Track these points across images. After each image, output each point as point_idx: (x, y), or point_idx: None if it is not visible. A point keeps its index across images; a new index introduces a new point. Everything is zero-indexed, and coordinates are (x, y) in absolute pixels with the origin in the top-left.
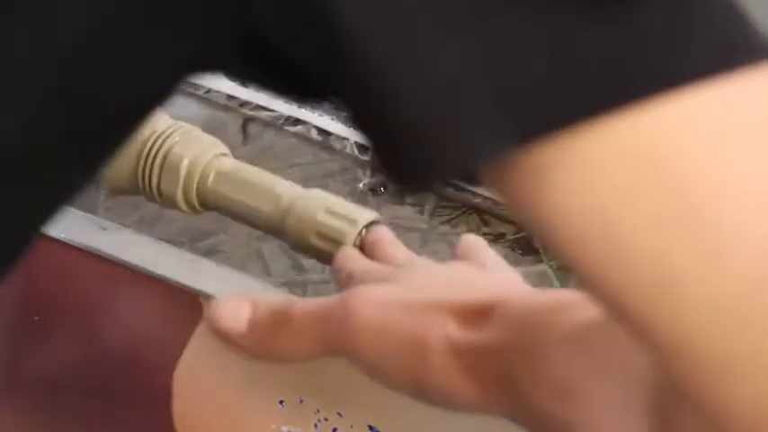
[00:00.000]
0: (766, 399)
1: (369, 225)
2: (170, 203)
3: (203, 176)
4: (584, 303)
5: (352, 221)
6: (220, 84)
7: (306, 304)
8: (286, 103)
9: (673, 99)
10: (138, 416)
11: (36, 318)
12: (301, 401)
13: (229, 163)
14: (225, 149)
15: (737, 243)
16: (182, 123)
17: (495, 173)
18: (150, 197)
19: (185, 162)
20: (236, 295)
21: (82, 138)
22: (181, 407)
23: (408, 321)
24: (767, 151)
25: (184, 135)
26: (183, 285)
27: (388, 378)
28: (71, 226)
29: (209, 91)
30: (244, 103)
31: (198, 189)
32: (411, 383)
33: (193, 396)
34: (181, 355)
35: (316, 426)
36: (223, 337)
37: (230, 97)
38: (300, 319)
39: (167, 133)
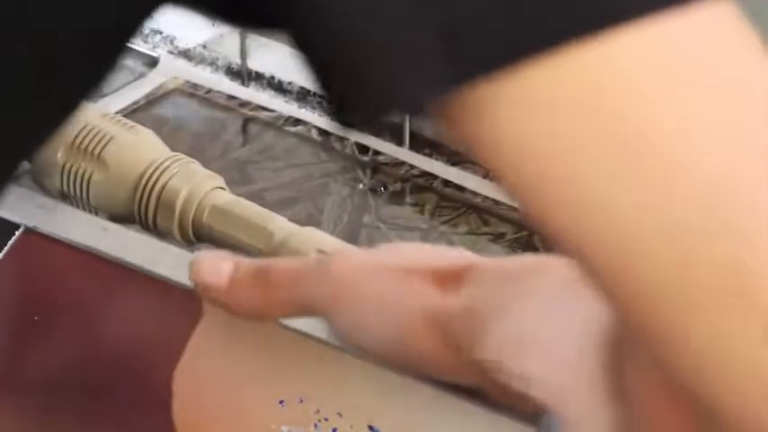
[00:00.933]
0: (705, 333)
1: None
2: (165, 235)
3: (199, 211)
4: (553, 266)
5: None
6: (221, 84)
7: (287, 264)
8: (286, 102)
9: (619, 34)
10: (138, 416)
11: (36, 318)
12: (301, 401)
13: (225, 197)
14: (221, 183)
15: (679, 179)
16: (179, 155)
17: (439, 108)
18: (146, 227)
19: (182, 195)
20: (219, 253)
21: (44, 71)
22: (181, 407)
23: (387, 286)
24: (712, 87)
25: (181, 168)
26: (183, 285)
27: (364, 341)
28: (71, 226)
29: (209, 91)
30: (244, 104)
31: (193, 223)
32: (388, 347)
33: (193, 396)
34: (181, 355)
35: (316, 426)
36: (203, 292)
37: (230, 97)
38: (280, 277)
39: (165, 165)
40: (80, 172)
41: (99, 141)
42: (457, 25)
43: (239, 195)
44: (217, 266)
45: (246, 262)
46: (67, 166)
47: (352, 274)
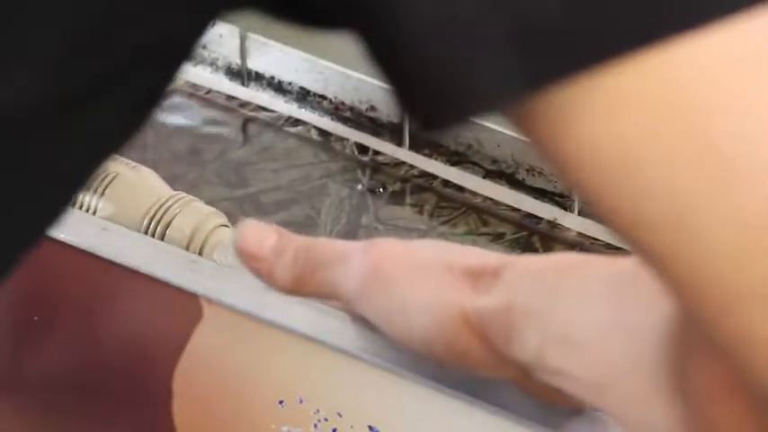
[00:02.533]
0: None
1: None
2: None
3: (204, 248)
4: (589, 262)
5: None
6: (220, 84)
7: (329, 244)
8: (286, 103)
9: (698, 36)
10: (138, 416)
11: (36, 318)
12: (301, 401)
13: (228, 234)
14: (224, 220)
15: (751, 179)
16: (181, 194)
17: (514, 113)
18: None
19: (186, 235)
20: (265, 224)
21: (102, 86)
22: (181, 407)
23: (424, 280)
24: None
25: (184, 206)
26: (183, 285)
27: (394, 332)
28: (71, 226)
29: (209, 92)
30: (244, 104)
31: None
32: (420, 340)
33: (193, 396)
34: (181, 355)
35: (316, 426)
36: (244, 259)
37: (230, 98)
38: (320, 256)
39: (168, 205)
40: (83, 208)
41: (103, 179)
42: (533, 27)
43: (236, 198)
44: (261, 236)
45: (291, 236)
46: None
47: (391, 264)
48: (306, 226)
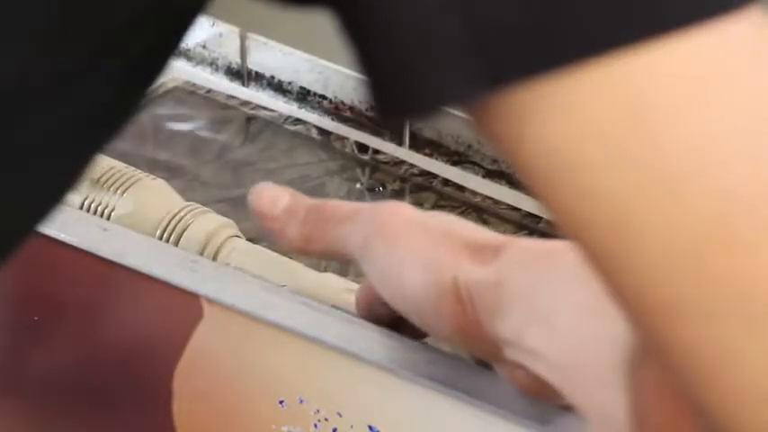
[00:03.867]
0: (716, 342)
1: None
2: None
3: (216, 259)
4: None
5: None
6: (220, 84)
7: (340, 203)
8: (286, 102)
9: (658, 45)
10: (138, 416)
11: (36, 318)
12: (301, 401)
13: (241, 245)
14: (236, 231)
15: (695, 192)
16: (193, 204)
17: (472, 110)
18: None
19: (199, 245)
20: (280, 186)
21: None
22: (181, 407)
23: (426, 244)
24: (746, 107)
25: (196, 217)
26: (183, 285)
27: (387, 292)
28: (71, 226)
29: (209, 90)
30: (244, 103)
31: None
32: (410, 304)
33: (193, 396)
34: (181, 355)
35: (316, 426)
36: (258, 218)
37: (230, 97)
38: (330, 214)
39: (180, 215)
40: (101, 206)
41: (125, 181)
42: (492, 26)
43: (230, 199)
44: (274, 197)
45: (303, 197)
46: (87, 201)
47: (396, 224)
48: None
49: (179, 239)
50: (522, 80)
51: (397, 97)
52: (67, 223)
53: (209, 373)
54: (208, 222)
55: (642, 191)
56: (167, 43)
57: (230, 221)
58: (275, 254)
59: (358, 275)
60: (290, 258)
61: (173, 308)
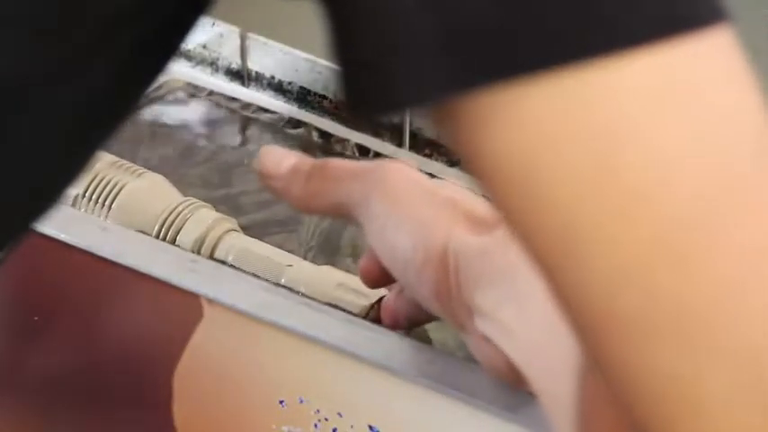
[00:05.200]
0: (650, 359)
1: (380, 300)
2: None
3: (214, 253)
4: None
5: (365, 295)
6: (220, 85)
7: (343, 162)
8: (286, 103)
9: (621, 61)
10: (138, 416)
11: (36, 318)
12: (301, 401)
13: (239, 239)
14: (234, 225)
15: (645, 214)
16: (191, 199)
17: (436, 111)
18: None
19: (196, 239)
20: (283, 148)
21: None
22: (181, 407)
23: (425, 206)
24: (699, 130)
25: (193, 212)
26: (183, 285)
27: (382, 246)
28: (71, 226)
29: (210, 93)
30: (245, 105)
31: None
32: (398, 261)
33: (193, 396)
34: (181, 355)
35: (316, 426)
36: (263, 179)
37: (231, 99)
38: (333, 172)
39: (177, 211)
40: (100, 201)
41: (111, 191)
42: (462, 30)
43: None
44: (280, 157)
45: (307, 158)
46: (86, 196)
47: (398, 184)
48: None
49: (177, 234)
50: (484, 84)
51: (366, 92)
52: (67, 223)
53: (209, 373)
54: (206, 217)
55: (591, 206)
56: (166, 39)
57: (228, 216)
58: (273, 248)
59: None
60: (288, 252)
61: (173, 308)
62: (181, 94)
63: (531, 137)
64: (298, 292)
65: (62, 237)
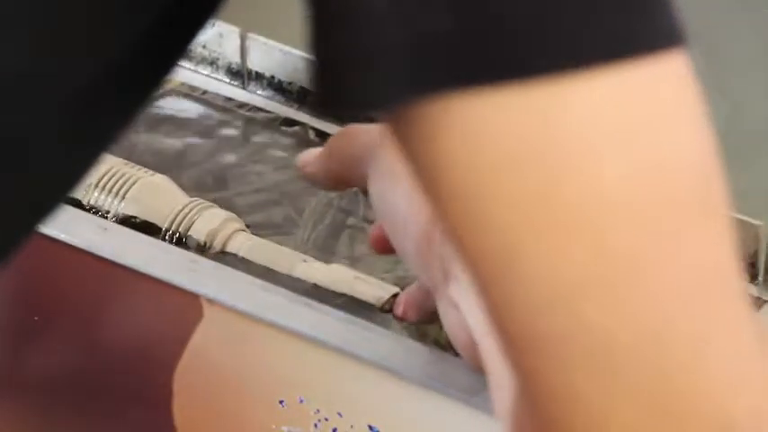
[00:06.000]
0: (566, 386)
1: (397, 294)
2: None
3: (225, 246)
4: None
5: (384, 288)
6: (218, 85)
7: (358, 131)
8: (284, 103)
9: (574, 79)
10: (138, 415)
11: (36, 318)
12: (301, 401)
13: (248, 239)
14: (242, 225)
15: (583, 241)
16: (197, 200)
17: (392, 117)
18: None
19: (209, 232)
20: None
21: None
22: (181, 407)
23: None
24: (643, 159)
25: (201, 212)
26: (183, 285)
27: (382, 205)
28: (71, 226)
29: (205, 92)
30: (241, 105)
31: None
32: (392, 215)
33: (193, 396)
34: (181, 355)
35: (316, 426)
36: (300, 169)
37: (228, 99)
38: (351, 145)
39: (185, 212)
40: (104, 208)
41: (124, 183)
42: (425, 42)
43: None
44: (311, 152)
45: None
46: (93, 198)
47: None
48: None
49: (186, 234)
50: (437, 92)
51: (330, 91)
52: (67, 223)
53: (209, 373)
54: (214, 217)
55: (528, 229)
56: (169, 40)
57: (235, 216)
58: (281, 247)
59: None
60: (295, 251)
61: (173, 308)
62: (179, 94)
63: (477, 150)
64: (309, 285)
65: (62, 237)
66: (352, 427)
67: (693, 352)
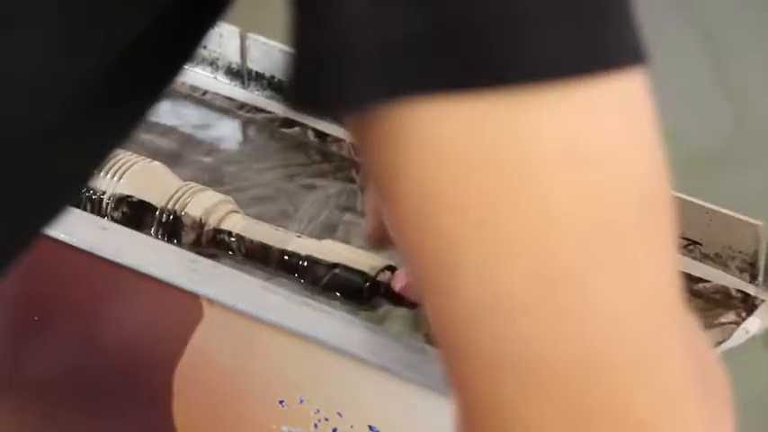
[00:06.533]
0: (494, 394)
1: (390, 266)
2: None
3: (216, 234)
4: None
5: (377, 259)
6: (218, 86)
7: None
8: (283, 105)
9: (533, 95)
10: (138, 415)
11: (36, 318)
12: (301, 401)
13: (242, 219)
14: (235, 206)
15: (525, 261)
16: (191, 183)
17: (357, 116)
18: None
19: (198, 220)
20: None
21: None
22: (181, 407)
23: None
24: (592, 185)
25: (194, 195)
26: (183, 285)
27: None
28: (71, 226)
29: (205, 93)
30: (241, 105)
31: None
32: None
33: (193, 396)
34: (181, 355)
35: (316, 426)
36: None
37: (227, 99)
38: None
39: (180, 193)
40: (101, 189)
41: (122, 165)
42: (393, 48)
43: None
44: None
45: None
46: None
47: None
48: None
49: (183, 212)
50: (404, 95)
51: (303, 87)
52: (67, 223)
53: (209, 373)
54: (209, 198)
55: (473, 243)
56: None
57: (229, 198)
58: (272, 226)
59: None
60: (286, 230)
61: (173, 308)
62: (179, 94)
63: (432, 155)
64: (304, 257)
65: (62, 237)
66: (352, 427)
67: (618, 381)
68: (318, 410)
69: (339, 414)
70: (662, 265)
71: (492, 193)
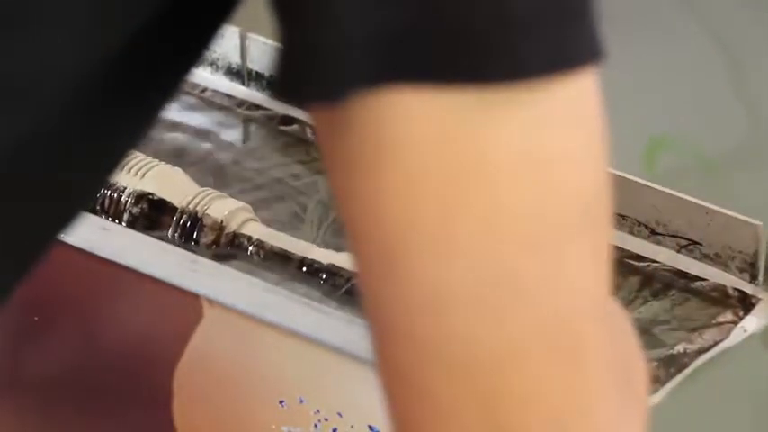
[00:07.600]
0: (426, 383)
1: None
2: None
3: (233, 242)
4: None
5: None
6: (218, 83)
7: None
8: (282, 103)
9: (501, 93)
10: (137, 415)
11: (36, 318)
12: (301, 401)
13: (259, 228)
14: (252, 215)
15: (467, 257)
16: (210, 190)
17: (325, 108)
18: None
19: (226, 213)
20: None
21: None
22: (181, 407)
23: None
24: (540, 190)
25: (212, 201)
26: (183, 285)
27: None
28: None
29: (204, 90)
30: (241, 103)
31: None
32: None
33: (193, 396)
34: (181, 355)
35: (316, 426)
36: None
37: (228, 97)
38: None
39: (198, 200)
40: (121, 185)
41: (145, 165)
42: (372, 38)
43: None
44: None
45: None
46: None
47: None
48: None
49: (204, 213)
50: (373, 86)
51: (288, 78)
52: None
53: (209, 373)
54: (229, 203)
55: (422, 234)
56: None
57: (248, 206)
58: (289, 236)
59: None
60: (302, 240)
61: (173, 308)
62: (179, 93)
63: (390, 142)
64: (323, 266)
65: (62, 237)
66: (352, 427)
67: (539, 374)
68: (318, 410)
69: (339, 414)
70: (595, 269)
71: (445, 188)
